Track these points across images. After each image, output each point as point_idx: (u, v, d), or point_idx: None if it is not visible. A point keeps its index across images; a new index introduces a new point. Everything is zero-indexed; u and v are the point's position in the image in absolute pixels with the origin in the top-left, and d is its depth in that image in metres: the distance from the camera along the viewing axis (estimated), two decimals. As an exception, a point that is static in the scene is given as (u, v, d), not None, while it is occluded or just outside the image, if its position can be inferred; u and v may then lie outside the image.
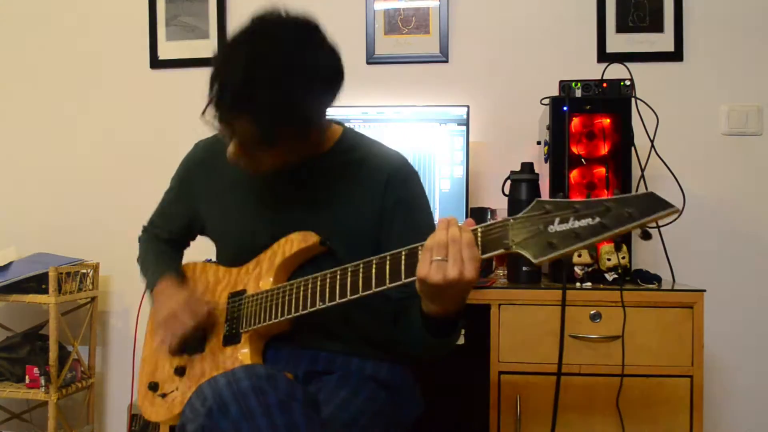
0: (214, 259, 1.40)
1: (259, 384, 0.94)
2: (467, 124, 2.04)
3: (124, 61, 2.47)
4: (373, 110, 2.10)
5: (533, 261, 0.89)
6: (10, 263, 2.25)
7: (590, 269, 1.69)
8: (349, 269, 1.08)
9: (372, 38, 2.33)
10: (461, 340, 1.63)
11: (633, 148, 1.76)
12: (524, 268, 1.72)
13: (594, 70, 2.04)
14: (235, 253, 1.32)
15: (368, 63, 2.33)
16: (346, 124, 1.35)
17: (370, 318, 1.25)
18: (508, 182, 1.78)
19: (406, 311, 1.15)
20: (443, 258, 0.93)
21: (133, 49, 2.46)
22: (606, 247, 1.67)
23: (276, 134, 1.12)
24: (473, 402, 1.76)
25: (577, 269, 1.69)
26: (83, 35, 2.50)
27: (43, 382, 2.15)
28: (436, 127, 2.05)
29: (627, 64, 1.91)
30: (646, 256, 2.01)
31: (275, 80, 1.07)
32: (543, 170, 1.83)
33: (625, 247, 1.68)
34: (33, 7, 2.53)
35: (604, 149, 1.75)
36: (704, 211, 2.17)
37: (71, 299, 2.24)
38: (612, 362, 1.59)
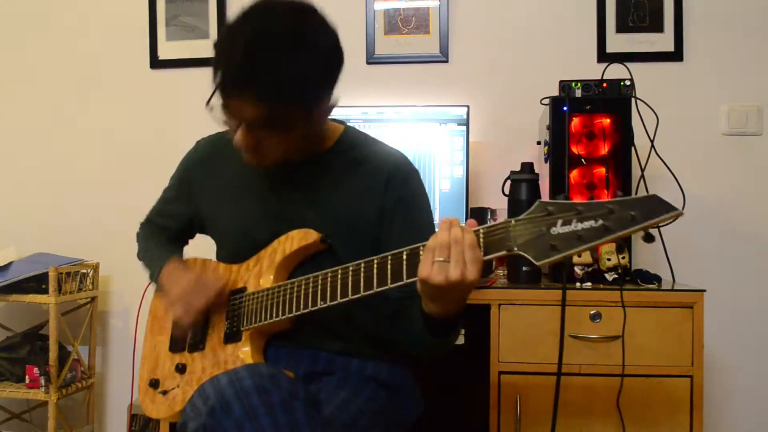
0: (214, 258, 1.40)
1: (261, 383, 0.95)
2: (467, 124, 2.04)
3: (124, 61, 2.47)
4: (373, 110, 2.09)
5: (535, 263, 0.88)
6: (10, 263, 2.25)
7: (590, 269, 1.68)
8: (351, 269, 1.08)
9: (372, 38, 2.32)
10: (461, 340, 1.63)
11: (633, 148, 1.76)
12: (524, 268, 1.72)
13: (594, 70, 2.03)
14: (235, 251, 1.31)
15: (368, 63, 2.33)
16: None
17: (371, 318, 1.25)
18: (508, 182, 1.78)
19: (406, 311, 1.15)
20: (445, 259, 0.93)
21: (133, 49, 2.46)
22: (606, 247, 1.67)
23: (281, 112, 1.11)
24: (473, 402, 1.76)
25: (577, 269, 1.69)
26: (83, 35, 2.50)
27: (43, 382, 2.15)
28: (436, 127, 2.05)
29: (627, 64, 1.90)
30: (646, 256, 2.01)
31: (276, 55, 1.07)
32: (543, 170, 1.83)
33: (625, 248, 1.68)
34: (33, 7, 2.53)
35: (604, 149, 1.75)
36: (704, 211, 2.17)
37: (71, 299, 2.24)
38: (612, 362, 1.59)
